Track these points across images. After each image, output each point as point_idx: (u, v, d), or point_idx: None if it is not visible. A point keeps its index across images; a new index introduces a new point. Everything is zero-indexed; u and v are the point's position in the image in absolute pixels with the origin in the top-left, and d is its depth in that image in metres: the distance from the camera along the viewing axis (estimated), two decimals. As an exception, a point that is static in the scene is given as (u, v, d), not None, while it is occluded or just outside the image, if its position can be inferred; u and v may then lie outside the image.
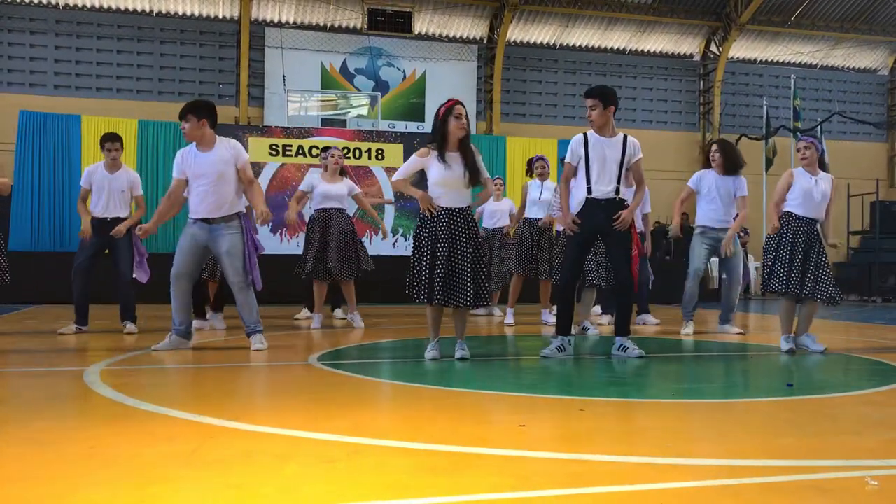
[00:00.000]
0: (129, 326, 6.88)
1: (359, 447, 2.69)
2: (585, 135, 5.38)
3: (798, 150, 5.91)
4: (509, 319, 8.21)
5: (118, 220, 6.87)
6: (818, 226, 5.78)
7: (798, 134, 6.55)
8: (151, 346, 5.54)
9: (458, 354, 5.13)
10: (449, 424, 3.11)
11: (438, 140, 5.06)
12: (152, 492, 2.15)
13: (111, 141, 6.89)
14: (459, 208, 5.09)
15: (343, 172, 7.90)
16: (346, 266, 7.50)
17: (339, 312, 8.89)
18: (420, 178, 5.21)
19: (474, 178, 5.09)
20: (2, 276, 6.13)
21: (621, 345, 5.38)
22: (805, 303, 5.83)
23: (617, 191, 5.31)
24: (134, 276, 6.81)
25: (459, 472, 2.40)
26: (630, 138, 5.39)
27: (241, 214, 5.67)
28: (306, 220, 8.75)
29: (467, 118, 5.10)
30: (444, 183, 5.04)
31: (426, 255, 4.98)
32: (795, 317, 5.86)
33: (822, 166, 5.93)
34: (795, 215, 5.75)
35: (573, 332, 5.48)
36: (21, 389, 4.05)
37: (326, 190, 7.56)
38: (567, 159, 5.41)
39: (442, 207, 5.06)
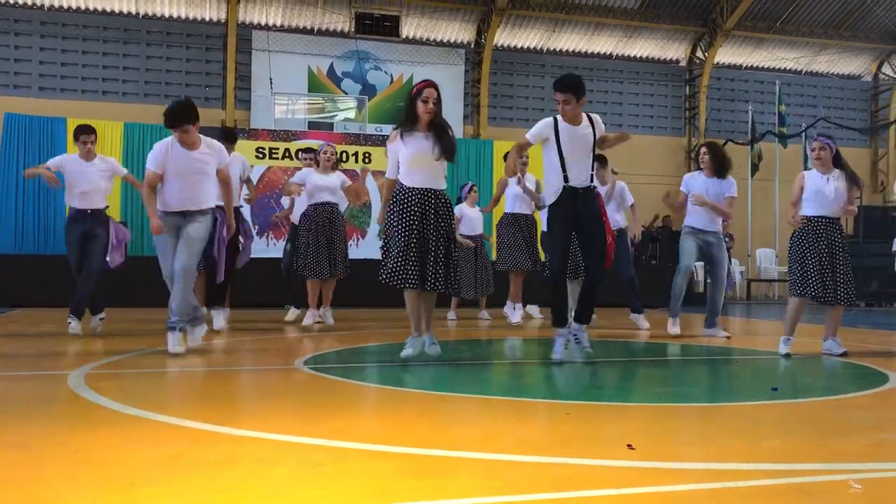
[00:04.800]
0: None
1: (345, 451, 2.69)
2: (556, 119, 5.21)
3: (812, 150, 5.95)
4: (517, 318, 8.18)
5: (98, 212, 6.75)
6: (839, 223, 5.87)
7: (813, 134, 6.67)
8: (169, 351, 5.35)
9: (431, 351, 5.07)
10: (435, 428, 3.11)
11: (407, 120, 5.03)
12: (137, 496, 2.14)
13: (86, 133, 6.75)
14: (431, 190, 5.01)
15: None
16: (342, 264, 7.63)
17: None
18: None
19: (446, 154, 5.00)
20: None
21: (576, 333, 5.25)
22: (832, 307, 5.90)
23: (591, 178, 5.25)
24: (107, 258, 6.68)
25: (445, 475, 2.40)
26: (594, 116, 5.27)
27: (215, 209, 5.71)
28: (294, 221, 8.73)
29: (438, 102, 4.99)
30: (414, 160, 4.98)
31: (398, 237, 4.92)
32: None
33: (839, 164, 5.94)
34: (809, 217, 5.84)
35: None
36: (4, 393, 4.02)
37: (321, 182, 7.62)
38: (528, 136, 5.24)
39: (413, 188, 4.98)
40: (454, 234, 5.11)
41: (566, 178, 5.16)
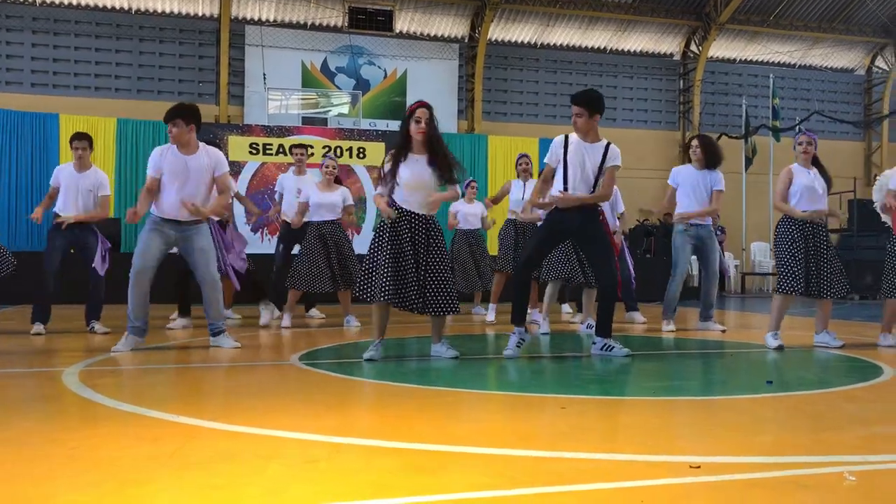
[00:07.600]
0: (98, 326, 6.77)
1: (342, 447, 2.69)
2: (567, 137, 5.28)
3: (800, 144, 5.99)
4: (491, 317, 8.22)
5: (86, 221, 6.76)
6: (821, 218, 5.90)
7: (800, 129, 6.71)
8: (111, 349, 5.46)
9: (447, 355, 5.07)
10: (432, 423, 3.11)
11: (399, 142, 5.02)
12: (134, 493, 2.14)
13: (78, 139, 6.80)
14: (423, 214, 5.00)
15: (337, 179, 7.85)
16: (348, 275, 7.53)
17: (314, 312, 8.81)
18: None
19: (445, 178, 5.00)
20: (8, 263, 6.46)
21: (605, 345, 5.34)
22: (822, 300, 5.93)
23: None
24: (95, 266, 6.68)
25: (443, 470, 2.41)
26: (612, 147, 5.26)
27: (210, 219, 5.71)
28: (282, 219, 8.63)
29: (430, 122, 4.96)
30: (408, 185, 4.96)
31: (383, 254, 4.90)
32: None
33: (817, 164, 6.03)
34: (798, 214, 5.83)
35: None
36: (-1, 391, 4.01)
37: (322, 199, 7.51)
38: (547, 160, 5.33)
39: (405, 210, 4.98)
40: (445, 257, 5.06)
41: (564, 190, 5.21)
